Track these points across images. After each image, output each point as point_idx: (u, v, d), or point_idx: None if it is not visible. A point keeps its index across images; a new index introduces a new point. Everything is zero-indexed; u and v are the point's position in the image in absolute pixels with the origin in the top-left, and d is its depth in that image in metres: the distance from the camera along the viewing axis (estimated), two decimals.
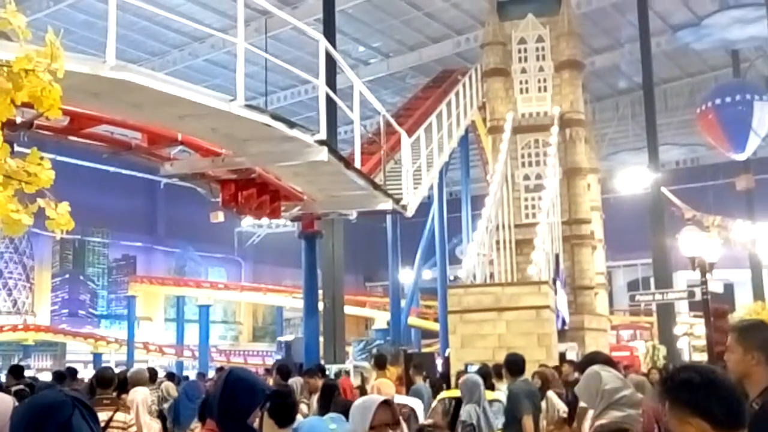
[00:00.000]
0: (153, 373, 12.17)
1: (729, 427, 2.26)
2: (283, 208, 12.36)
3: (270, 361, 29.93)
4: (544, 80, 23.31)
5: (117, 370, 9.66)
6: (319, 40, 10.22)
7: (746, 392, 3.30)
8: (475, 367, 10.81)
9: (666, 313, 25.60)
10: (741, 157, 28.52)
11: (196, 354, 37.02)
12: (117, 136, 10.56)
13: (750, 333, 3.48)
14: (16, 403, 2.40)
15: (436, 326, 30.17)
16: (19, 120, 6.58)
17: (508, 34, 23.63)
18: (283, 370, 10.98)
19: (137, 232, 43.91)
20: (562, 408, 8.62)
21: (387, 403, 3.23)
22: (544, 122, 22.62)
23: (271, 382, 11.30)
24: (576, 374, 8.23)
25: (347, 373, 16.50)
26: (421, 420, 8.21)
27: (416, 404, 8.42)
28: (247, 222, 39.46)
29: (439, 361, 19.73)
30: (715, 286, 17.38)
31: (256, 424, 3.61)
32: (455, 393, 9.26)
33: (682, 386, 2.34)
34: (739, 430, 2.28)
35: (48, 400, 2.23)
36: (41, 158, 3.51)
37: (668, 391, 2.39)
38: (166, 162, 10.54)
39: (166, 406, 9.95)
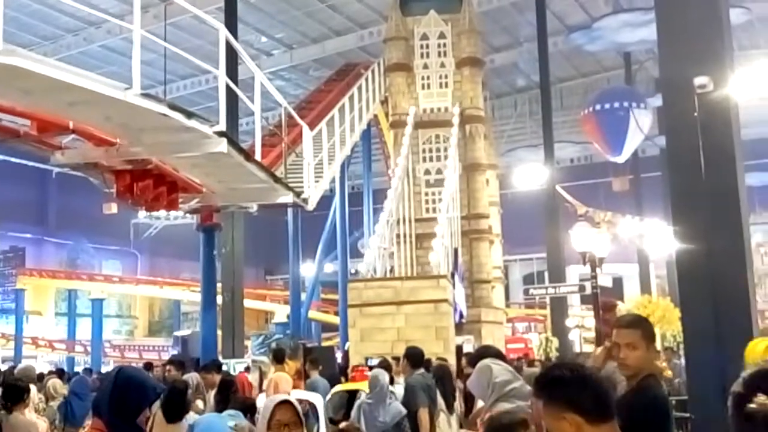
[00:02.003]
0: (40, 375, 11.75)
1: (599, 418, 2.36)
2: (180, 200, 12.07)
3: (166, 356, 29.30)
4: (446, 76, 23.65)
5: (4, 367, 9.28)
6: (219, 29, 10.04)
7: (613, 385, 3.44)
8: (376, 361, 10.88)
9: (559, 306, 26.42)
10: (619, 159, 29.83)
11: (89, 349, 35.93)
12: (4, 123, 10.10)
13: (648, 327, 3.63)
14: None
15: (336, 320, 30.24)
16: None
17: (410, 30, 23.86)
18: (178, 362, 10.79)
19: (26, 223, 42.12)
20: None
21: (288, 403, 3.20)
22: (445, 118, 22.96)
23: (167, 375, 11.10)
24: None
25: (247, 369, 16.33)
26: (321, 415, 8.22)
27: (316, 399, 8.41)
28: (144, 213, 38.47)
29: (339, 355, 19.77)
30: (605, 280, 18.05)
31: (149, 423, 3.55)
32: (349, 386, 9.31)
33: (555, 383, 2.43)
34: (609, 421, 2.39)
35: None
36: None
37: (542, 389, 2.47)
38: (57, 151, 10.13)
39: (53, 404, 9.59)
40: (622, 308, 22.15)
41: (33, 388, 8.08)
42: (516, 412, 3.91)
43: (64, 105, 8.35)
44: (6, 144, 10.41)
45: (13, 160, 35.14)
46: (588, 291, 16.40)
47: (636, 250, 32.98)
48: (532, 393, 2.69)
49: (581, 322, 31.29)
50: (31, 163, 34.25)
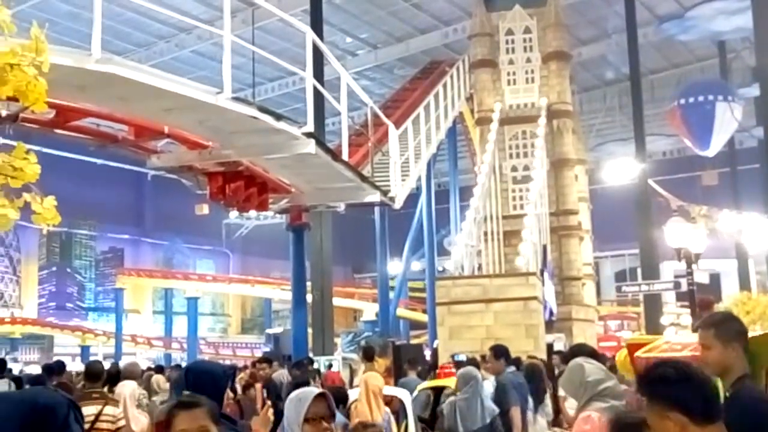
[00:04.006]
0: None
1: (705, 420, 2.30)
2: (270, 201, 12.34)
3: (259, 353, 29.94)
4: (532, 71, 23.35)
5: (106, 363, 9.65)
6: (306, 32, 10.19)
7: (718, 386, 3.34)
8: (463, 357, 10.84)
9: (653, 304, 25.73)
10: (708, 153, 28.86)
11: (185, 346, 36.98)
12: (103, 129, 10.51)
13: (725, 326, 3.52)
14: None
15: (424, 317, 30.26)
16: (3, 113, 6.54)
17: (495, 26, 23.64)
18: (267, 360, 11.02)
19: (125, 225, 43.74)
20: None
21: (323, 396, 3.20)
22: (531, 113, 22.67)
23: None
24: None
25: (330, 366, 16.53)
26: (409, 411, 8.23)
27: (404, 395, 8.43)
28: (235, 214, 39.41)
29: (427, 353, 19.79)
30: (701, 277, 17.47)
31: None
32: (434, 383, 9.29)
33: (659, 381, 2.38)
34: (715, 422, 2.32)
35: (47, 400, 2.18)
36: (27, 152, 3.49)
37: (645, 387, 2.42)
38: (152, 155, 10.49)
39: (156, 399, 9.92)
40: (720, 306, 21.41)
41: (134, 383, 8.37)
42: (638, 411, 3.83)
43: (159, 110, 8.62)
44: (105, 149, 10.85)
45: (111, 164, 36.48)
46: (684, 288, 15.91)
47: (734, 244, 31.79)
48: (636, 390, 2.64)
49: (677, 319, 30.37)
50: (127, 167, 35.49)
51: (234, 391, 10.23)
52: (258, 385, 10.93)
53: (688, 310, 17.58)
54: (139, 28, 29.98)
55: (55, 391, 2.32)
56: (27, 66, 3.31)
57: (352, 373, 15.80)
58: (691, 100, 26.97)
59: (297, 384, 4.28)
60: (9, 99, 3.48)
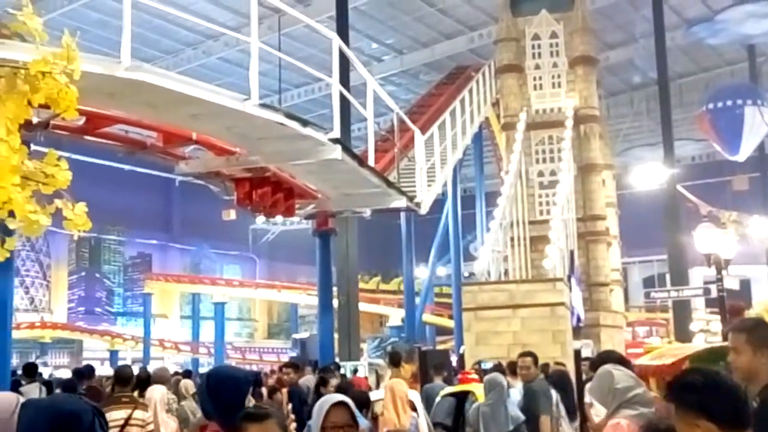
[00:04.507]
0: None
1: (734, 427, 2.27)
2: (297, 206, 12.39)
3: (285, 359, 30.03)
4: (558, 76, 23.24)
5: (134, 368, 9.72)
6: (332, 38, 10.23)
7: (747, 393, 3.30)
8: (489, 364, 10.79)
9: (682, 310, 25.45)
10: (738, 158, 28.52)
11: (212, 351, 37.17)
12: (132, 136, 10.62)
13: (757, 332, 3.48)
14: (21, 401, 2.41)
15: (450, 323, 30.18)
16: (35, 120, 6.63)
17: (521, 30, 23.57)
18: (294, 365, 11.04)
19: (153, 230, 44.12)
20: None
21: (343, 404, 3.17)
22: (558, 118, 22.55)
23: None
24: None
25: (355, 371, 16.52)
26: (420, 409, 8.06)
27: (414, 396, 8.23)
28: (262, 219, 39.60)
29: (454, 359, 19.73)
30: (731, 283, 17.27)
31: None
32: (456, 389, 9.23)
33: (687, 389, 2.35)
34: (745, 430, 2.29)
35: (73, 407, 2.26)
36: (58, 159, 3.54)
37: (674, 394, 2.40)
38: (181, 161, 10.59)
39: (185, 403, 9.99)
40: (751, 312, 21.12)
41: (164, 388, 8.44)
42: (667, 419, 3.80)
43: (187, 117, 8.70)
44: (133, 155, 10.97)
45: (139, 170, 36.83)
46: (714, 294, 15.73)
47: (765, 250, 31.36)
48: (664, 397, 2.62)
49: (706, 326, 30.00)
50: (156, 173, 35.79)
51: (258, 396, 10.27)
52: (284, 390, 10.96)
53: (718, 317, 17.37)
54: (167, 36, 30.28)
55: (81, 398, 2.40)
56: (58, 74, 3.35)
57: (379, 378, 15.79)
58: (720, 104, 26.74)
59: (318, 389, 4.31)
60: (40, 106, 3.53)
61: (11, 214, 3.32)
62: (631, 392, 4.22)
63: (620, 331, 23.33)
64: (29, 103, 3.40)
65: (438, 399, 9.19)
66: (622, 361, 5.04)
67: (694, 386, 2.35)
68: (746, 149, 27.75)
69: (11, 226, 3.37)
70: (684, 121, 34.08)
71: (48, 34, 3.51)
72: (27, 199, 3.36)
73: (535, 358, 8.48)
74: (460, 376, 11.22)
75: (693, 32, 29.44)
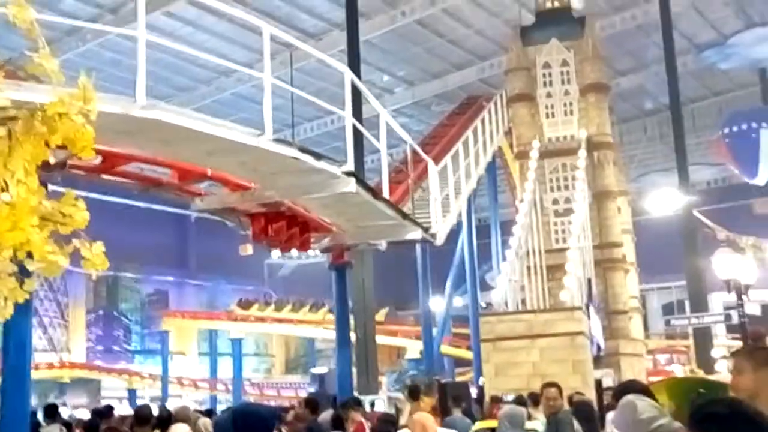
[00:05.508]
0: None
1: None
2: (312, 240, 12.38)
3: (303, 394, 29.84)
4: (570, 104, 23.28)
5: (153, 406, 9.68)
6: (344, 72, 10.29)
7: None
8: (510, 397, 10.69)
9: (703, 336, 25.19)
10: (759, 182, 28.36)
11: (230, 387, 37.00)
12: (147, 173, 10.69)
13: (756, 352, 3.52)
14: None
15: (469, 354, 29.94)
16: (52, 161, 6.67)
17: (532, 59, 23.67)
18: (312, 402, 10.94)
19: (169, 267, 44.20)
20: None
21: None
22: (571, 146, 22.55)
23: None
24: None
25: (372, 405, 16.34)
26: None
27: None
28: (277, 254, 39.59)
29: (473, 390, 19.55)
30: (752, 308, 17.10)
31: None
32: (490, 424, 9.14)
33: (709, 419, 2.30)
34: None
35: None
36: (76, 199, 3.54)
37: (695, 425, 2.35)
38: (196, 197, 10.64)
39: None
40: None
41: (186, 427, 8.40)
42: None
43: (202, 153, 8.74)
44: (148, 192, 11.03)
45: (154, 207, 37.02)
46: (735, 320, 15.56)
47: None
48: (687, 427, 2.56)
49: (728, 352, 29.64)
50: (171, 209, 35.99)
51: None
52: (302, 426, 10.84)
53: (740, 343, 17.15)
54: (181, 73, 30.62)
55: None
56: (75, 115, 3.37)
57: (398, 412, 15.62)
58: (735, 128, 26.68)
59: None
60: (57, 147, 3.54)
61: (29, 255, 3.32)
62: (655, 423, 4.14)
63: (641, 359, 23.09)
64: (47, 144, 3.41)
65: None
66: (645, 390, 4.96)
67: (717, 417, 2.30)
68: (765, 172, 27.60)
69: (30, 268, 3.37)
70: (698, 146, 34.02)
71: (63, 75, 3.53)
72: (45, 240, 3.36)
73: (560, 389, 8.38)
74: (492, 409, 11.08)
75: (704, 57, 29.50)
